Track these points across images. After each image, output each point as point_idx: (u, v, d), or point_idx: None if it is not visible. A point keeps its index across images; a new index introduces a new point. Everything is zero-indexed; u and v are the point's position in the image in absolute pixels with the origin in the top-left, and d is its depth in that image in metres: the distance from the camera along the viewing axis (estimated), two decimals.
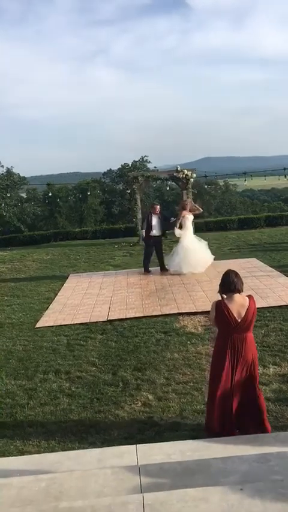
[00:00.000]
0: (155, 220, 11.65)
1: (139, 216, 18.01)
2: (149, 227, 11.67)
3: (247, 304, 4.35)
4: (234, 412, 4.42)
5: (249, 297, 4.44)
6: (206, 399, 4.72)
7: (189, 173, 17.55)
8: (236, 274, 4.46)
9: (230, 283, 4.38)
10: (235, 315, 4.31)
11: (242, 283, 4.44)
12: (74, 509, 3.04)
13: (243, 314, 4.32)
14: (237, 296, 4.38)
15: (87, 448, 4.49)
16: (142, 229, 13.17)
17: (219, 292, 4.49)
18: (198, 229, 18.80)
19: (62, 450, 4.51)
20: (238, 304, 4.35)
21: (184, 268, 11.30)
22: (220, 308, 4.36)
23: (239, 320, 4.31)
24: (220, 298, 4.46)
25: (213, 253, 11.83)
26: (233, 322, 4.30)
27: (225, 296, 4.42)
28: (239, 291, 4.39)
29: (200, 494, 3.01)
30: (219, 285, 4.49)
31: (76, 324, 8.21)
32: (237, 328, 4.33)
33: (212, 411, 4.47)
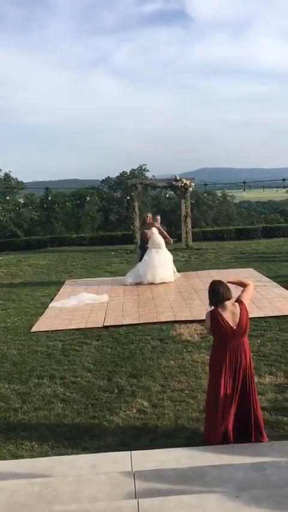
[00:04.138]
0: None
1: (137, 223, 18.02)
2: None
3: (238, 310, 4.37)
4: (236, 422, 4.38)
5: (239, 302, 4.44)
6: (205, 409, 4.66)
7: (187, 182, 17.61)
8: (220, 282, 4.48)
9: (217, 294, 4.38)
10: (230, 323, 4.32)
11: (229, 290, 4.43)
12: None
13: (237, 320, 4.33)
14: (228, 303, 4.39)
15: (80, 454, 4.44)
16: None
17: (210, 305, 4.49)
18: (196, 239, 18.87)
19: (56, 455, 4.46)
20: (231, 312, 4.36)
21: (145, 278, 11.37)
22: (215, 318, 4.36)
23: (235, 327, 4.32)
24: (212, 308, 4.45)
25: (210, 263, 11.80)
26: (229, 330, 4.31)
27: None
28: (228, 299, 4.40)
29: (196, 501, 2.99)
30: (209, 298, 4.48)
31: (72, 329, 8.18)
32: (234, 335, 4.33)
33: (213, 422, 4.40)
